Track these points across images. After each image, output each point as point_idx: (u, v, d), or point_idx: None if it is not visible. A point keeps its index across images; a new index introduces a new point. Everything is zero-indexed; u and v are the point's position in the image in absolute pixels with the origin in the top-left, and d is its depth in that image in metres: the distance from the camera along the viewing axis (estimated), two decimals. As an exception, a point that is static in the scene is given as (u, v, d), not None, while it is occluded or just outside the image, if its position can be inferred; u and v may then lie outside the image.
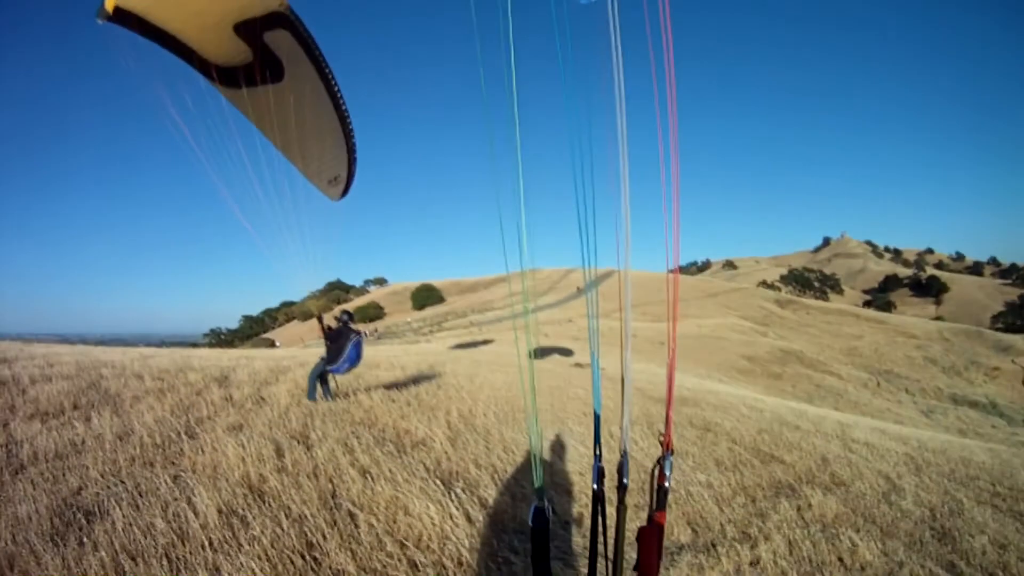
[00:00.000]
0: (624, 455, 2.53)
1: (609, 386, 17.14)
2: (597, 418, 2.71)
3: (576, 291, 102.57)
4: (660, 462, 2.56)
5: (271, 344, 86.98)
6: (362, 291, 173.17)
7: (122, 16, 4.74)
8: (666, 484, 2.56)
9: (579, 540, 6.25)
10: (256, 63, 5.44)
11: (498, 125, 2.37)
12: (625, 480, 2.52)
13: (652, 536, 2.48)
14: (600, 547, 2.62)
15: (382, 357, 20.83)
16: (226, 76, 5.44)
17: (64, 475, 6.18)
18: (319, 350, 11.80)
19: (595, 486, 2.55)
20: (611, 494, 2.77)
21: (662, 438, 2.59)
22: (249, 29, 5.21)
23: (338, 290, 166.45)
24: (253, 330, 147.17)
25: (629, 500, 6.87)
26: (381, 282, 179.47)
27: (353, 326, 11.21)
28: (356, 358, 11.03)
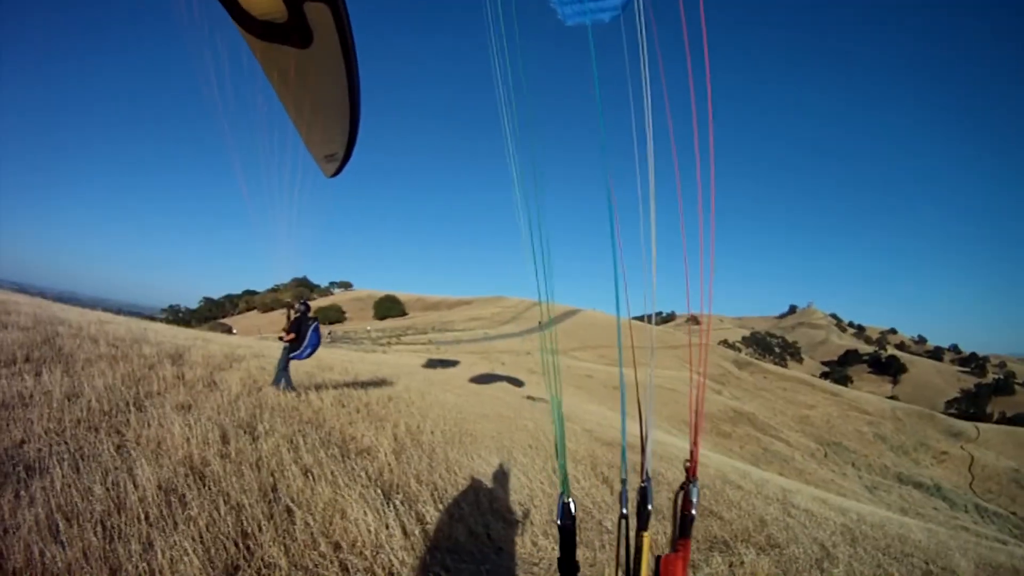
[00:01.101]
0: (647, 481, 2.54)
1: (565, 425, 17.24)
2: (624, 443, 2.83)
3: (538, 324, 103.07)
4: (685, 488, 2.57)
5: (228, 330, 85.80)
6: (326, 292, 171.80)
7: None
8: (692, 511, 2.56)
9: (509, 566, 6.33)
10: (289, 25, 5.52)
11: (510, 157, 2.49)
12: (649, 506, 2.50)
13: (675, 564, 2.45)
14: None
15: (336, 360, 20.71)
16: (257, 26, 5.54)
17: (8, 426, 6.14)
18: (275, 343, 11.84)
19: (624, 510, 2.57)
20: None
21: (688, 464, 2.62)
22: None
23: (304, 287, 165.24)
24: (212, 313, 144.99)
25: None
26: (346, 286, 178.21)
27: (310, 315, 11.44)
28: (317, 342, 11.53)
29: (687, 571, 2.47)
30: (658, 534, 8.02)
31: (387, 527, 6.12)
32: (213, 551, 4.79)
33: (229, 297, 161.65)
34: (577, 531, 2.61)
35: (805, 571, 7.84)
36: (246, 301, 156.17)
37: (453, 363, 37.61)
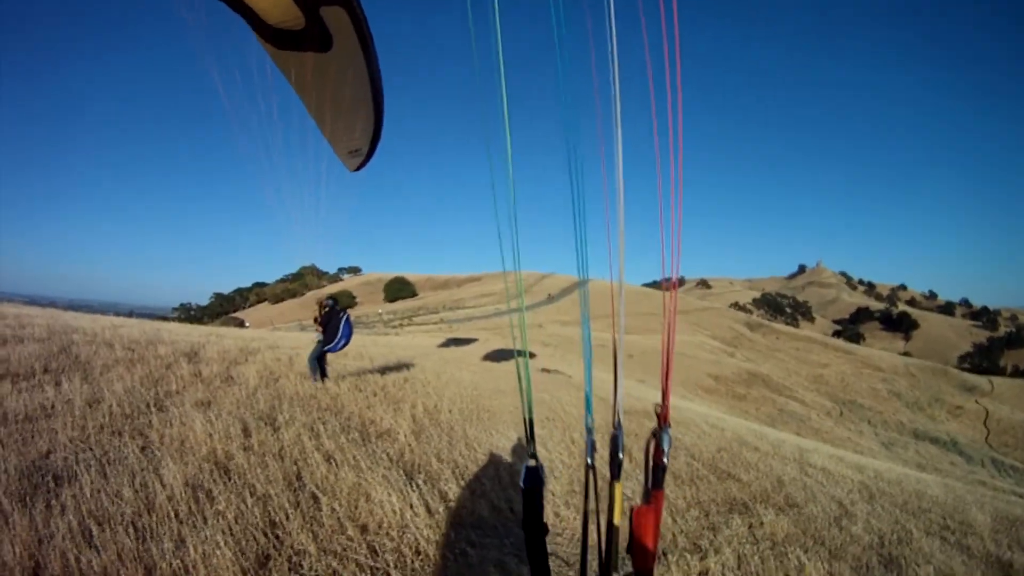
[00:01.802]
0: (618, 428, 2.38)
1: (574, 392, 17.36)
2: (588, 388, 2.62)
3: (547, 297, 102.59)
4: (656, 436, 2.41)
5: (240, 324, 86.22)
6: (335, 278, 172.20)
7: None
8: (664, 460, 2.41)
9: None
10: (307, 31, 5.58)
11: (493, 128, 2.37)
12: (620, 455, 2.36)
13: (648, 516, 2.33)
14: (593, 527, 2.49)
15: (351, 346, 20.75)
16: (275, 35, 5.60)
17: (33, 438, 6.25)
18: (288, 334, 12.00)
19: (589, 460, 2.41)
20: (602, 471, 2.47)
21: (659, 409, 2.45)
22: (307, 1, 5.34)
23: (311, 275, 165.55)
24: (223, 308, 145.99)
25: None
26: (355, 271, 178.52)
27: (338, 308, 11.80)
28: (349, 333, 11.82)
29: (660, 523, 2.39)
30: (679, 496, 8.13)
31: (411, 507, 6.23)
32: (244, 543, 4.90)
33: (239, 291, 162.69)
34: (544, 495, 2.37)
35: (824, 529, 7.91)
36: (256, 293, 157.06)
37: (466, 341, 37.72)
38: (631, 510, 2.35)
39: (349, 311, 11.94)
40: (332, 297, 11.99)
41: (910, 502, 10.23)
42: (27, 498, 4.93)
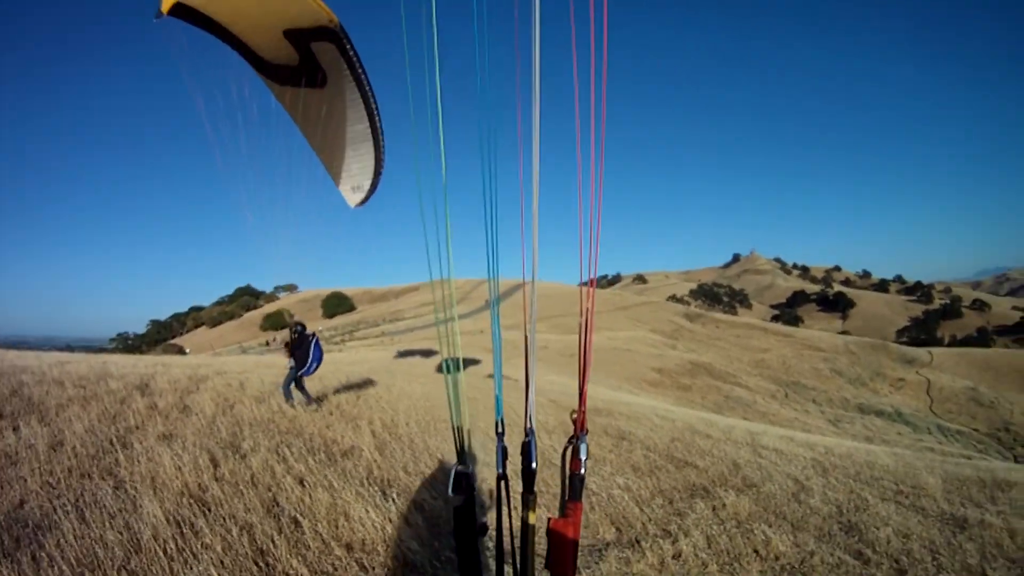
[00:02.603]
0: (530, 434, 2.33)
1: (512, 392, 17.63)
2: (498, 390, 2.42)
3: (484, 303, 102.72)
4: (573, 444, 2.33)
5: (180, 351, 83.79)
6: (272, 297, 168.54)
7: (179, 10, 5.01)
8: (582, 471, 2.31)
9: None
10: (302, 68, 5.77)
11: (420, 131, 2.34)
12: (533, 464, 2.30)
13: (565, 529, 2.17)
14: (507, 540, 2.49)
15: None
16: (274, 72, 5.69)
17: (3, 488, 6.15)
18: (231, 358, 11.97)
19: (499, 469, 2.35)
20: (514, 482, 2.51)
21: (575, 416, 2.35)
22: (298, 37, 5.52)
23: (248, 296, 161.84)
24: (160, 335, 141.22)
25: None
26: (291, 289, 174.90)
27: (307, 332, 11.91)
28: (320, 356, 11.88)
29: (578, 537, 2.20)
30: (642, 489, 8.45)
31: (390, 521, 6.43)
32: (237, 574, 4.99)
33: (176, 316, 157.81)
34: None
35: (784, 505, 8.38)
36: (193, 318, 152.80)
37: (410, 352, 37.62)
38: (547, 522, 2.23)
39: (317, 334, 11.95)
40: (300, 323, 11.96)
41: (862, 472, 10.75)
42: (12, 552, 4.88)
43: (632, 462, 10.15)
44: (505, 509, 2.41)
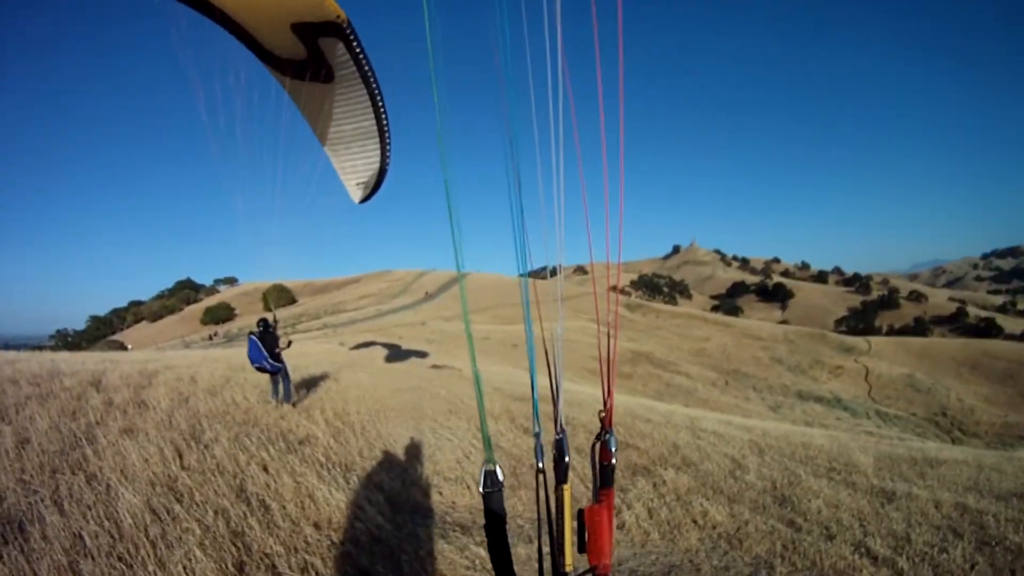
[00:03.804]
0: (562, 433, 2.45)
1: (467, 386, 18.12)
2: (534, 390, 2.56)
3: (425, 295, 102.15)
4: (602, 439, 2.53)
5: (121, 347, 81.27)
6: (212, 291, 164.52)
7: None
8: (612, 461, 2.51)
9: (467, 516, 7.22)
10: (309, 62, 5.85)
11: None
12: (566, 458, 2.43)
13: (600, 515, 2.38)
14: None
15: (242, 359, 20.48)
16: (280, 65, 5.76)
17: (-21, 486, 6.35)
18: (177, 353, 12.10)
19: (539, 464, 2.44)
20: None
21: (602, 414, 2.55)
22: (305, 31, 5.57)
23: (188, 289, 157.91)
24: (100, 331, 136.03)
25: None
26: (231, 281, 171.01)
27: (272, 329, 12.05)
28: (257, 354, 11.67)
29: (612, 520, 2.43)
30: (577, 486, 9.05)
31: (355, 501, 6.91)
32: (218, 554, 5.40)
33: (116, 311, 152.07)
34: (504, 496, 2.45)
35: (721, 481, 9.07)
36: (133, 313, 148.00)
37: (354, 344, 37.66)
38: (580, 511, 2.42)
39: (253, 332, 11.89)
40: (264, 319, 12.09)
41: (797, 452, 11.40)
42: (0, 548, 5.12)
43: (575, 444, 10.70)
44: (543, 500, 2.50)
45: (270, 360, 11.65)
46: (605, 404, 2.52)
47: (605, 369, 2.53)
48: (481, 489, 2.42)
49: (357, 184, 7.94)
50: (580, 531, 2.40)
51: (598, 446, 2.53)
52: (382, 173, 7.69)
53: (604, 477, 2.51)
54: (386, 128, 7.01)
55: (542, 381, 2.52)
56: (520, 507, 7.88)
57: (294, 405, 11.72)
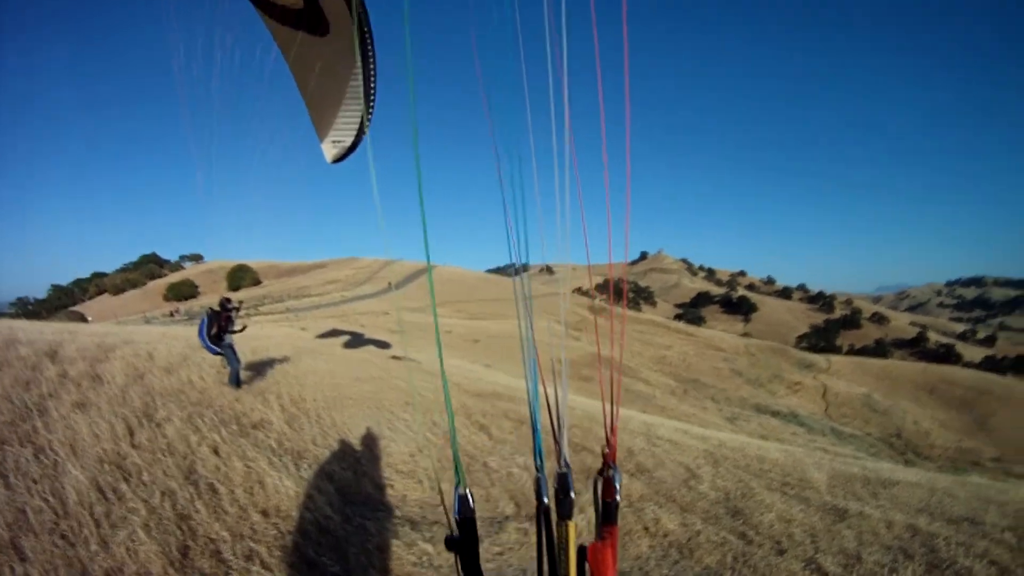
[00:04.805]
0: (567, 468, 2.36)
1: (429, 379, 18.17)
2: (535, 424, 2.37)
3: (388, 285, 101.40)
4: (605, 475, 2.43)
5: (81, 318, 79.69)
6: (177, 267, 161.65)
7: None
8: (616, 498, 2.43)
9: (416, 510, 7.26)
10: (304, 12, 5.59)
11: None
12: (572, 493, 2.34)
13: (604, 552, 2.33)
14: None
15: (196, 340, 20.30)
16: (272, 9, 5.56)
17: (-79, 453, 6.28)
18: (137, 328, 11.96)
19: (544, 499, 2.36)
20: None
21: (606, 451, 2.46)
22: None
23: (152, 264, 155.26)
24: (62, 301, 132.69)
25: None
26: (197, 259, 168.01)
27: (229, 309, 12.02)
28: (199, 327, 11.68)
29: (616, 559, 2.33)
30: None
31: (304, 490, 6.94)
32: (162, 537, 5.40)
33: (78, 282, 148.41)
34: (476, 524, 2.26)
35: (674, 489, 9.17)
36: (96, 284, 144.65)
37: (316, 330, 37.41)
38: (581, 548, 2.34)
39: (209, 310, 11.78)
40: (225, 297, 12.01)
41: (752, 464, 11.48)
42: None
43: (531, 445, 10.74)
44: (545, 538, 2.39)
45: (208, 341, 11.54)
46: (608, 441, 2.44)
47: (608, 407, 2.46)
48: (456, 515, 2.28)
49: (333, 143, 7.58)
50: (580, 569, 2.33)
51: (600, 482, 2.43)
52: (360, 135, 7.39)
53: (608, 514, 2.42)
54: (373, 94, 6.79)
55: (542, 405, 2.39)
56: (476, 496, 7.93)
57: (238, 387, 11.52)
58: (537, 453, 2.35)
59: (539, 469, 2.32)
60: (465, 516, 2.26)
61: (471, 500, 2.25)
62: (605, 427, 2.44)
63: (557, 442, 2.30)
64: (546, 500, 2.29)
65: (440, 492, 2.42)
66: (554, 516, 2.29)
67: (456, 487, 2.27)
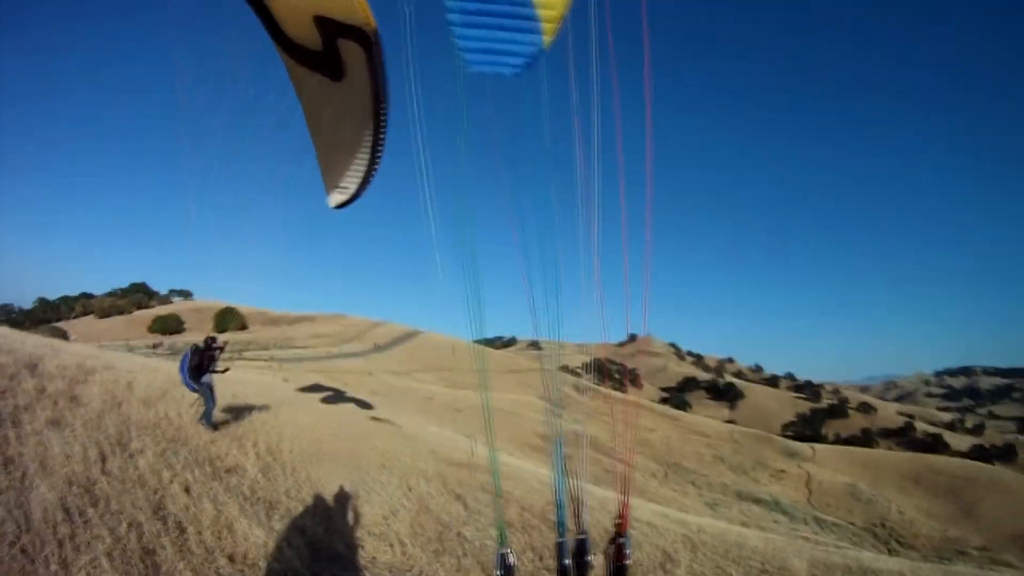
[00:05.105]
0: (584, 534, 2.75)
1: (407, 444, 17.84)
2: (559, 498, 2.88)
3: (373, 346, 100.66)
4: (617, 542, 2.79)
5: (63, 336, 78.72)
6: (166, 300, 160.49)
7: None
8: (626, 562, 2.79)
9: (386, 573, 7.01)
10: (322, 55, 5.60)
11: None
12: (589, 557, 2.74)
13: None
14: None
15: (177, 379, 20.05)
16: (290, 46, 5.61)
17: None
18: (119, 355, 11.76)
19: (565, 560, 2.71)
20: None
21: (618, 520, 2.82)
22: (327, 26, 5.31)
23: (142, 293, 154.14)
24: (47, 315, 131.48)
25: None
26: (186, 295, 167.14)
27: (203, 345, 11.83)
28: (181, 362, 11.51)
29: None
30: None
31: (274, 540, 6.70)
32: (123, 567, 5.17)
33: (65, 299, 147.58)
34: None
35: (650, 572, 8.94)
36: (83, 304, 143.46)
37: (299, 381, 36.95)
38: None
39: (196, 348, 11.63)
40: (211, 336, 11.95)
41: (731, 551, 11.25)
42: None
43: (507, 517, 10.53)
44: None
45: (188, 378, 11.31)
46: (620, 512, 2.85)
47: (621, 484, 3.11)
48: (497, 572, 2.66)
49: (337, 188, 7.71)
50: None
51: (612, 548, 2.84)
52: (365, 184, 7.53)
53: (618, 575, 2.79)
54: (382, 143, 6.82)
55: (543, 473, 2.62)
56: (442, 573, 7.69)
57: (215, 428, 11.24)
58: (559, 524, 2.86)
59: (561, 533, 2.77)
60: (502, 574, 2.64)
61: (513, 558, 2.65)
62: (619, 502, 2.92)
63: (577, 513, 2.85)
64: (568, 561, 2.70)
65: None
66: None
67: (499, 548, 2.63)
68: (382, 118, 6.36)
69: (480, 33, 3.47)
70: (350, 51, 5.58)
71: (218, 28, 5.89)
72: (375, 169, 7.12)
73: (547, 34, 3.48)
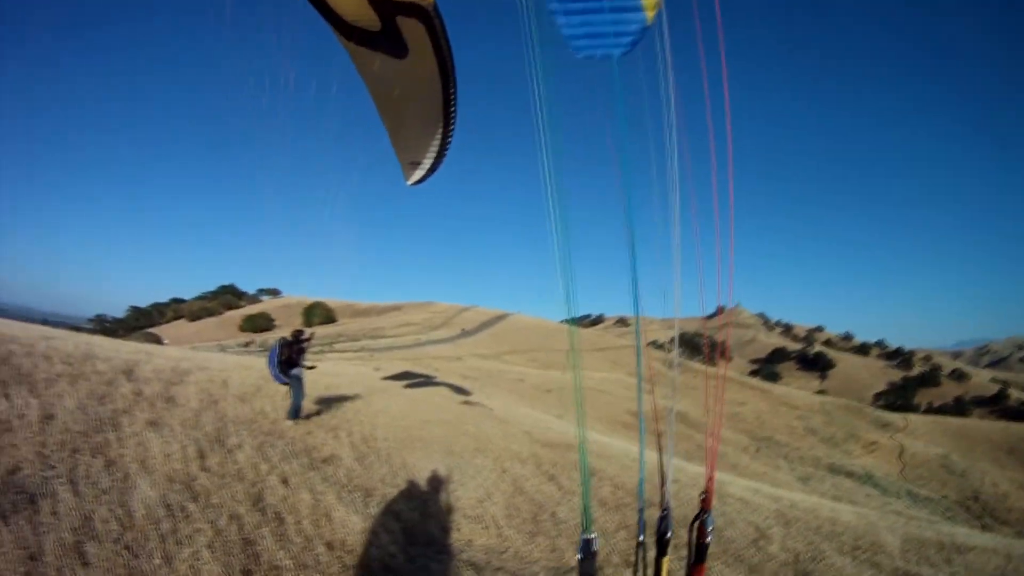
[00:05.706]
0: (667, 510, 2.75)
1: (500, 426, 17.78)
2: (642, 473, 3.03)
3: (461, 331, 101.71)
4: (700, 519, 2.82)
5: (157, 340, 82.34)
6: (254, 299, 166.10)
7: None
8: (707, 540, 2.81)
9: (482, 556, 6.91)
10: (382, 35, 5.50)
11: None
12: (668, 534, 2.74)
13: None
14: None
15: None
16: (351, 32, 5.50)
17: (-1, 452, 6.27)
18: (212, 355, 12.02)
19: (641, 537, 2.76)
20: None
21: (703, 496, 2.82)
22: (383, 6, 5.20)
23: (231, 295, 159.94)
24: (139, 322, 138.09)
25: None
26: (274, 293, 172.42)
27: (291, 338, 12.02)
28: (271, 365, 11.65)
29: None
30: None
31: (371, 526, 6.65)
32: (226, 558, 5.19)
33: (156, 305, 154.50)
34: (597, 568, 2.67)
35: (743, 549, 8.64)
36: (174, 310, 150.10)
37: (389, 370, 37.46)
38: None
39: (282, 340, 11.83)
40: (299, 330, 12.13)
41: (823, 527, 10.90)
42: (8, 515, 5.02)
43: (600, 497, 10.35)
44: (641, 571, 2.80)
45: (277, 371, 11.50)
46: (706, 488, 2.87)
47: (710, 454, 3.08)
48: (579, 555, 2.70)
49: (412, 164, 7.63)
50: None
51: (697, 525, 2.87)
52: (440, 158, 7.43)
53: (699, 554, 2.85)
54: (453, 118, 6.73)
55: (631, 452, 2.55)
56: (537, 554, 7.55)
57: (295, 422, 11.17)
58: (640, 495, 3.32)
59: (641, 510, 2.92)
60: (583, 557, 2.69)
61: (596, 544, 2.69)
62: (706, 477, 2.88)
63: (663, 488, 2.90)
64: (642, 537, 2.81)
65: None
66: (652, 553, 2.75)
67: (583, 532, 2.67)
68: (451, 90, 6.26)
69: (584, 19, 3.54)
70: (410, 28, 5.46)
71: (268, 26, 5.87)
72: (448, 141, 7.02)
73: (649, 9, 3.47)
